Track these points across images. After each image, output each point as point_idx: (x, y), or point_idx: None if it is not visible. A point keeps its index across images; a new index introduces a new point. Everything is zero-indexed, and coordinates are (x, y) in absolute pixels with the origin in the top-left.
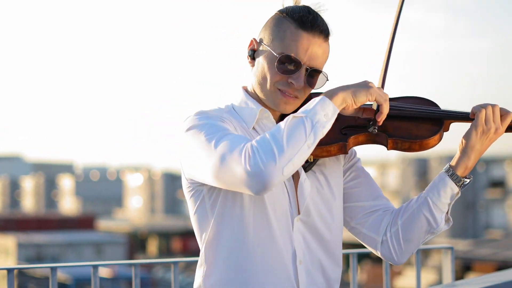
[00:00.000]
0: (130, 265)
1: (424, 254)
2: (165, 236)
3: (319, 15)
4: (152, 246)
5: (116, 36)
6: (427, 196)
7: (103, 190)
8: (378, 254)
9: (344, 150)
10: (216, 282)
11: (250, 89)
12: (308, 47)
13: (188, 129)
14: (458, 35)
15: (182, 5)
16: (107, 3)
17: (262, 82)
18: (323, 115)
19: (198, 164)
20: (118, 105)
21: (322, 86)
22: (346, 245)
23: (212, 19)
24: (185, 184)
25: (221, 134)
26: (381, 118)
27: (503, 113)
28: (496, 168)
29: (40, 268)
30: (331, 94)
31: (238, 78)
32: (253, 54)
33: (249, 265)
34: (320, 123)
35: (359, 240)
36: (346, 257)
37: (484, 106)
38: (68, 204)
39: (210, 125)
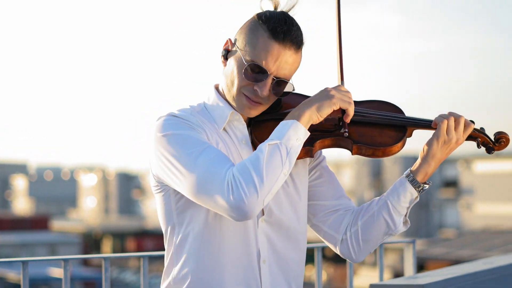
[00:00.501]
0: (139, 257)
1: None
2: (119, 236)
3: (295, 25)
4: (107, 246)
5: (84, 31)
6: (387, 200)
7: (57, 190)
8: (337, 251)
9: (310, 154)
10: (183, 281)
11: (221, 88)
12: (278, 58)
13: (163, 135)
14: (412, 36)
15: (182, 5)
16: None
17: (230, 85)
18: (295, 140)
19: (173, 175)
20: (71, 105)
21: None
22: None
23: (212, 19)
24: (152, 182)
25: (199, 150)
26: (349, 119)
27: (465, 124)
28: (449, 168)
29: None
30: (298, 115)
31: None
32: (226, 54)
33: (215, 264)
34: (293, 148)
35: (319, 237)
36: (311, 253)
37: (447, 117)
38: (22, 204)
39: (187, 137)
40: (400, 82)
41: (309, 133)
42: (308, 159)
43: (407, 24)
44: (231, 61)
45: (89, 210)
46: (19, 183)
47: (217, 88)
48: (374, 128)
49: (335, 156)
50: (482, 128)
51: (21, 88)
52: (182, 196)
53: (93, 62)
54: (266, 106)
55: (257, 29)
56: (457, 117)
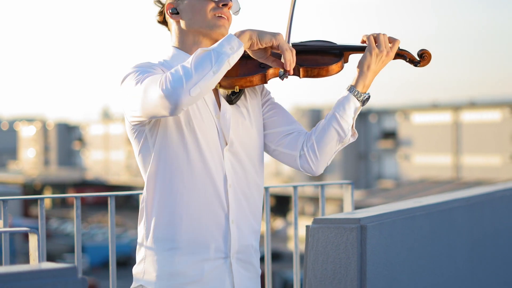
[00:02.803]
0: (106, 196)
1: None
2: (60, 187)
3: None
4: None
5: None
6: (335, 112)
7: None
8: (298, 167)
9: (264, 80)
10: (155, 204)
11: (178, 45)
12: None
13: (124, 78)
14: None
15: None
16: None
17: (200, 17)
18: (228, 48)
19: (131, 103)
20: (9, 55)
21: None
22: None
23: None
24: (128, 128)
25: (147, 75)
26: (289, 66)
27: (392, 40)
28: (387, 120)
29: None
30: (239, 33)
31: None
32: (175, 10)
33: (185, 190)
34: (225, 54)
35: (280, 161)
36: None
37: (375, 33)
38: None
39: (139, 71)
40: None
41: (242, 45)
42: (260, 96)
43: None
44: (186, 5)
45: (29, 161)
46: None
47: (174, 46)
48: (316, 54)
49: None
50: (406, 50)
51: None
52: (157, 136)
53: (32, 12)
54: (230, 22)
55: None
56: (383, 34)
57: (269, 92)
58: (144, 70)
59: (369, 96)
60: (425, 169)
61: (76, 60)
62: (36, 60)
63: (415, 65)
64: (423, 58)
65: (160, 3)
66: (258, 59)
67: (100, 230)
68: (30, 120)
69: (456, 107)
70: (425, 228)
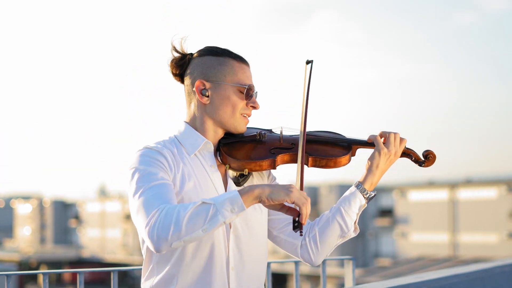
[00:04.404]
0: (109, 272)
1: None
2: (56, 265)
3: None
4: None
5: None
6: (340, 206)
7: None
8: (298, 256)
9: (273, 166)
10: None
11: (192, 122)
12: (250, 75)
13: (131, 167)
14: (350, 66)
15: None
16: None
17: (229, 112)
18: (229, 209)
19: (129, 200)
20: (4, 133)
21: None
22: None
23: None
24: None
25: (149, 185)
26: (304, 220)
27: (400, 139)
28: (384, 197)
29: None
30: (247, 190)
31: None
32: (206, 92)
33: (187, 270)
34: (222, 215)
35: (280, 247)
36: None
37: (387, 132)
38: None
39: (144, 172)
40: (338, 110)
41: (244, 209)
42: (266, 178)
43: (345, 54)
44: (218, 94)
45: (25, 239)
46: None
47: (187, 123)
48: (325, 145)
49: None
50: (412, 149)
51: None
52: None
53: (26, 89)
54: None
55: (225, 61)
56: (394, 133)
57: (275, 178)
58: (149, 173)
59: (374, 195)
60: (423, 247)
61: (73, 138)
62: (33, 138)
63: (420, 165)
64: (428, 159)
65: (179, 53)
66: (272, 209)
67: None
68: (26, 198)
69: (453, 185)
70: None
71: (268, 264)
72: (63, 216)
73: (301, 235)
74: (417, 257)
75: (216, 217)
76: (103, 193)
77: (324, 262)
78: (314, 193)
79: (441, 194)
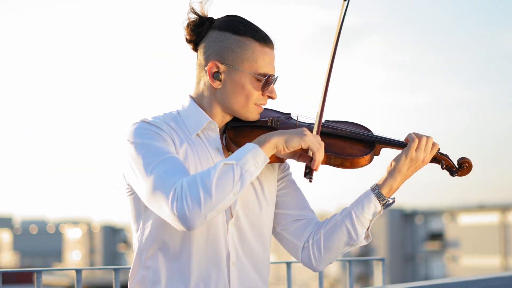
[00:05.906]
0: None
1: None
2: None
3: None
4: None
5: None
6: (352, 210)
7: (42, 244)
8: (299, 259)
9: (281, 159)
10: (149, 277)
11: (198, 100)
12: (272, 60)
13: (130, 142)
14: (397, 90)
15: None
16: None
17: (241, 101)
18: (253, 164)
19: (134, 180)
20: (56, 159)
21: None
22: None
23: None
24: (123, 184)
25: (158, 160)
26: (316, 166)
27: (433, 144)
28: (434, 221)
29: None
30: (264, 140)
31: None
32: (218, 76)
33: (187, 264)
34: (249, 172)
35: (282, 245)
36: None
37: (419, 135)
38: (7, 258)
39: (149, 146)
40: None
41: (268, 160)
42: (277, 170)
43: (392, 78)
44: (232, 80)
45: (74, 263)
46: (4, 237)
47: (192, 98)
48: (344, 141)
49: None
50: (446, 155)
51: (3, 140)
52: None
53: (76, 117)
54: None
55: (245, 44)
56: (427, 137)
57: (289, 167)
58: (154, 147)
59: (393, 201)
60: (473, 270)
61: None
62: (82, 164)
63: (452, 174)
64: (462, 168)
65: (197, 15)
66: (284, 158)
67: None
68: (75, 223)
69: (504, 208)
70: None
71: (289, 264)
72: (112, 240)
73: (310, 181)
74: None
75: (243, 176)
76: None
77: (350, 262)
78: None
79: (492, 217)
